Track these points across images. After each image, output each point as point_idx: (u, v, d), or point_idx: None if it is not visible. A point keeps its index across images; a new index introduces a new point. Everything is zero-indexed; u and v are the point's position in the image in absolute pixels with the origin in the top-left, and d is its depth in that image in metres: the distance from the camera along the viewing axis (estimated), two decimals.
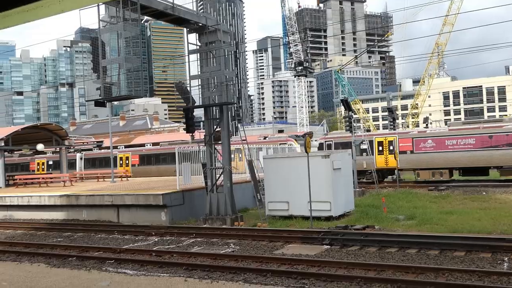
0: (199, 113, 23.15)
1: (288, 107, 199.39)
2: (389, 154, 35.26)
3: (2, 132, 37.15)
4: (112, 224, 21.87)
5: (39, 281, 11.96)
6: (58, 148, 39.53)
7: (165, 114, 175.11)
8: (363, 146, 35.73)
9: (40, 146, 35.68)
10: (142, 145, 50.62)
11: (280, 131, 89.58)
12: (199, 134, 22.18)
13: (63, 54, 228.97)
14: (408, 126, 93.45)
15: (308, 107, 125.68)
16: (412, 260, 12.11)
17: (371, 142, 35.71)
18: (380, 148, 35.86)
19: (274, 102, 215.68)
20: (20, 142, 38.84)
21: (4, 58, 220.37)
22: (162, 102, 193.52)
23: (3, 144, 34.35)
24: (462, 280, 10.09)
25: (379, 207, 21.17)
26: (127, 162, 47.61)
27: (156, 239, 17.47)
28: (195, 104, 21.33)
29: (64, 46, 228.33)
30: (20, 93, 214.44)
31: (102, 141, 52.39)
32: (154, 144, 49.53)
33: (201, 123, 22.48)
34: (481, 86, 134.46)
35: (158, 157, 45.64)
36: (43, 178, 34.77)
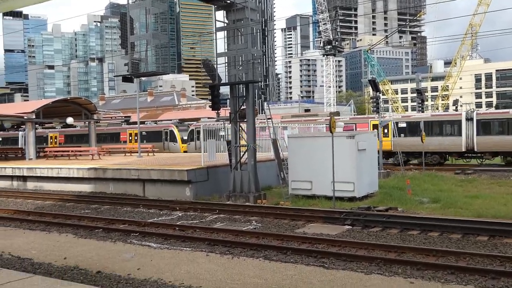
0: (225, 90, 23.22)
1: (316, 86, 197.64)
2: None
3: (33, 105, 37.97)
4: (138, 198, 22.25)
5: (67, 250, 12.34)
6: (87, 122, 40.27)
7: (192, 91, 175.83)
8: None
9: (69, 120, 36.37)
10: (168, 120, 51.06)
11: (307, 111, 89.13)
12: (225, 112, 22.21)
13: (93, 29, 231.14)
14: (437, 108, 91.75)
15: (336, 86, 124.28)
16: (433, 243, 12.05)
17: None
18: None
19: (301, 81, 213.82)
20: (50, 115, 39.63)
21: (36, 32, 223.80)
22: (190, 79, 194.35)
23: (34, 116, 35.13)
24: (483, 265, 10.02)
25: (403, 189, 21.03)
26: (55, 140, 49.37)
27: (180, 214, 17.73)
28: (221, 82, 21.37)
29: (95, 21, 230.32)
30: (51, 67, 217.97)
31: (129, 116, 53.03)
32: (181, 120, 49.96)
33: (227, 100, 22.55)
34: None
35: (81, 137, 48.06)
36: (72, 151, 35.53)
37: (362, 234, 13.38)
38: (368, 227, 14.22)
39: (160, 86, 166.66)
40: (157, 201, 20.61)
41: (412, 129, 35.73)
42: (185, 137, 43.33)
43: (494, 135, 32.81)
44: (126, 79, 20.63)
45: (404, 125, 35.88)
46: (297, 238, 12.83)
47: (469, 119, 34.26)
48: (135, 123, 43.53)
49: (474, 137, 33.66)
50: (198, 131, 42.68)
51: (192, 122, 45.30)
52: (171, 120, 49.94)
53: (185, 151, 40.89)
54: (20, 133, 52.60)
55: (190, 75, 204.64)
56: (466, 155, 34.87)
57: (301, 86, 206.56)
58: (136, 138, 45.60)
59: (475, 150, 33.82)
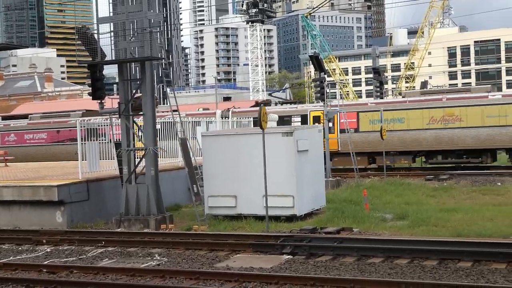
0: (111, 71, 22.81)
1: (238, 65, 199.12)
2: None
3: None
4: None
5: None
6: None
7: (63, 72, 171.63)
8: None
9: None
10: (26, 116, 49.32)
11: (226, 99, 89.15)
12: (112, 101, 21.86)
13: None
14: (400, 94, 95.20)
15: (266, 65, 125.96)
16: (402, 274, 12.44)
17: None
18: None
19: (218, 58, 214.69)
20: None
21: None
22: (58, 55, 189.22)
23: None
24: None
25: (359, 203, 21.64)
26: None
27: (49, 250, 17.31)
28: (106, 59, 21.03)
29: None
30: None
31: None
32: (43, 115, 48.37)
33: (115, 85, 22.23)
34: (499, 39, 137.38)
35: None
36: None
37: (307, 266, 13.59)
38: (315, 255, 14.47)
39: (14, 66, 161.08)
40: (14, 232, 20.00)
41: None
42: None
43: None
44: None
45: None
46: (219, 275, 12.84)
47: (225, 118, 36.68)
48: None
49: None
50: None
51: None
52: (30, 115, 48.33)
53: None
54: None
55: (58, 50, 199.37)
56: None
57: (217, 66, 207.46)
58: None
59: None
